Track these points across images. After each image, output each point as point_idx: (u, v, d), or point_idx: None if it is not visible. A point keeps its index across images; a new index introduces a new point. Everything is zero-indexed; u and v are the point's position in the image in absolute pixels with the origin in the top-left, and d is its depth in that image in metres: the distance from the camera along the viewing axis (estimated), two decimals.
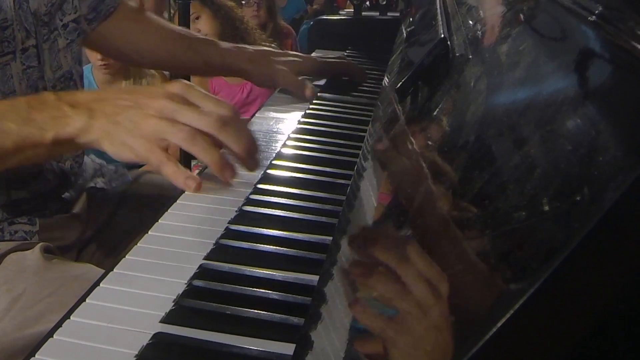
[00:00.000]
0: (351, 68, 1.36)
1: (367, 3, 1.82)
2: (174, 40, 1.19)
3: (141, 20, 1.18)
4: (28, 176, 0.95)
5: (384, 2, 1.78)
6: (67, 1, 1.01)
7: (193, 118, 0.72)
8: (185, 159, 1.78)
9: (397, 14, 1.77)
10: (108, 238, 1.07)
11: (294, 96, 1.21)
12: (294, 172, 0.89)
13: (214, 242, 0.70)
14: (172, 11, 2.12)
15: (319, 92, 1.23)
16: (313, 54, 1.62)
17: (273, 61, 1.20)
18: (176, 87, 0.75)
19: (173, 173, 0.71)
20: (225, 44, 1.23)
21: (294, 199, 0.80)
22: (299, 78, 1.20)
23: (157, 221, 0.75)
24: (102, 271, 0.66)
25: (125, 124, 0.72)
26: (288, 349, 0.54)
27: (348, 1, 2.00)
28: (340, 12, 1.94)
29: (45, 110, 0.74)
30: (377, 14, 1.80)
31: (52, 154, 0.78)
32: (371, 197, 0.70)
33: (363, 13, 1.81)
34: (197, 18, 2.42)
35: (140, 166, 2.22)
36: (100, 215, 1.08)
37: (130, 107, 0.73)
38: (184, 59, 1.19)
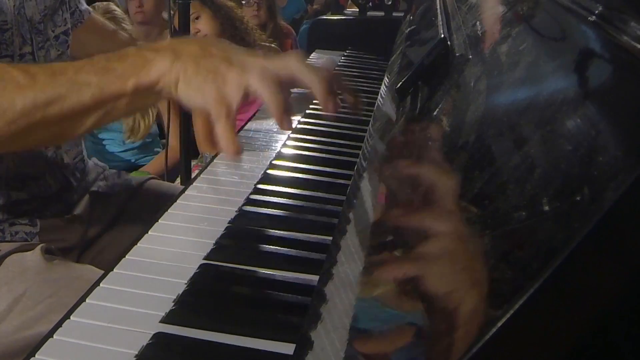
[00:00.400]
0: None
1: (370, 4, 1.81)
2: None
3: (101, 32, 1.17)
4: (28, 177, 0.95)
5: (389, 2, 1.78)
6: (58, 13, 1.01)
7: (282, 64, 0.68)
8: (186, 159, 1.78)
9: (402, 14, 1.77)
10: (110, 244, 1.07)
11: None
12: (294, 172, 0.89)
13: (214, 242, 0.70)
14: (172, 12, 2.11)
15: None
16: (313, 55, 1.62)
17: None
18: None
19: (223, 131, 0.66)
20: None
21: (294, 199, 0.80)
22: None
23: (157, 221, 0.75)
24: (103, 272, 0.67)
25: (209, 67, 0.67)
26: (288, 349, 0.54)
27: (350, 0, 1.99)
28: (345, 12, 1.94)
29: (126, 59, 0.70)
30: (383, 13, 1.80)
31: (132, 107, 0.72)
32: (371, 197, 0.70)
33: (368, 13, 1.80)
34: (197, 18, 2.41)
35: (140, 166, 2.23)
36: (103, 219, 1.08)
37: (218, 57, 0.68)
38: None
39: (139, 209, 1.10)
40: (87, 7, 1.15)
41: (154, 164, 2.20)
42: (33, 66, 0.75)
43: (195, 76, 0.67)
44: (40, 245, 0.88)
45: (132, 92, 0.68)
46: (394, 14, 1.80)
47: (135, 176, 1.30)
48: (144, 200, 1.13)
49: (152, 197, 1.13)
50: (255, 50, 0.72)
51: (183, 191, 0.84)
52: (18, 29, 0.90)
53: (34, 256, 0.86)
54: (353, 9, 1.89)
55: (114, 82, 0.68)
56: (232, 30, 2.44)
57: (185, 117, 1.78)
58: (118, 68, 0.69)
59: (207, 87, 0.66)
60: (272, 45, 2.68)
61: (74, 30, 1.09)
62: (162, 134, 2.45)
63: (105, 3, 2.26)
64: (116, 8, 2.33)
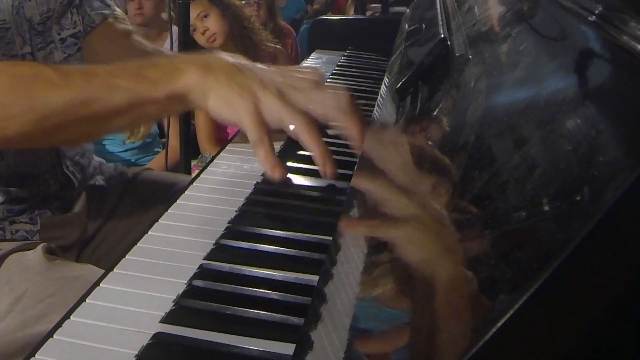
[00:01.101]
0: None
1: None
2: (140, 57, 1.16)
3: (113, 38, 1.14)
4: (27, 176, 0.95)
5: None
6: (66, 16, 1.01)
7: (321, 98, 0.69)
8: (186, 158, 1.78)
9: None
10: (108, 236, 1.07)
11: None
12: (294, 172, 0.88)
13: (214, 242, 0.70)
14: (172, 13, 2.11)
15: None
16: (313, 55, 1.62)
17: None
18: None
19: (265, 157, 0.67)
20: None
21: (294, 199, 0.80)
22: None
23: (157, 221, 0.75)
24: (104, 272, 0.67)
25: (243, 84, 0.67)
26: (288, 349, 0.54)
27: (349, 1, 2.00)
28: (369, 8, 1.92)
29: (158, 68, 0.71)
30: (405, 8, 1.79)
31: (164, 112, 0.74)
32: (371, 197, 0.69)
33: (390, 8, 1.79)
34: (206, 16, 2.42)
35: (140, 166, 2.23)
36: (100, 214, 1.08)
37: (252, 78, 0.69)
38: None
39: (135, 199, 1.11)
40: (104, 12, 1.11)
41: (154, 164, 2.20)
42: (64, 66, 0.77)
43: (230, 91, 0.68)
44: (42, 244, 0.88)
45: (164, 99, 0.70)
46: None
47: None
48: (139, 190, 1.13)
49: (147, 187, 1.14)
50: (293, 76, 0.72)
51: (183, 191, 0.84)
52: (17, 29, 0.90)
53: (35, 255, 0.86)
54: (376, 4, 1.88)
55: (148, 88, 0.70)
56: (240, 30, 2.44)
57: (185, 117, 1.78)
58: (151, 75, 0.70)
59: (242, 104, 0.67)
60: (278, 46, 2.68)
61: (85, 36, 1.08)
62: (162, 133, 2.45)
63: None
64: (116, 8, 2.33)
